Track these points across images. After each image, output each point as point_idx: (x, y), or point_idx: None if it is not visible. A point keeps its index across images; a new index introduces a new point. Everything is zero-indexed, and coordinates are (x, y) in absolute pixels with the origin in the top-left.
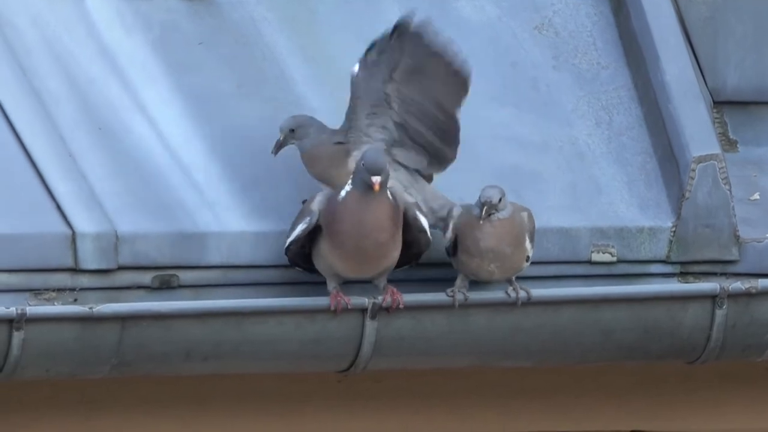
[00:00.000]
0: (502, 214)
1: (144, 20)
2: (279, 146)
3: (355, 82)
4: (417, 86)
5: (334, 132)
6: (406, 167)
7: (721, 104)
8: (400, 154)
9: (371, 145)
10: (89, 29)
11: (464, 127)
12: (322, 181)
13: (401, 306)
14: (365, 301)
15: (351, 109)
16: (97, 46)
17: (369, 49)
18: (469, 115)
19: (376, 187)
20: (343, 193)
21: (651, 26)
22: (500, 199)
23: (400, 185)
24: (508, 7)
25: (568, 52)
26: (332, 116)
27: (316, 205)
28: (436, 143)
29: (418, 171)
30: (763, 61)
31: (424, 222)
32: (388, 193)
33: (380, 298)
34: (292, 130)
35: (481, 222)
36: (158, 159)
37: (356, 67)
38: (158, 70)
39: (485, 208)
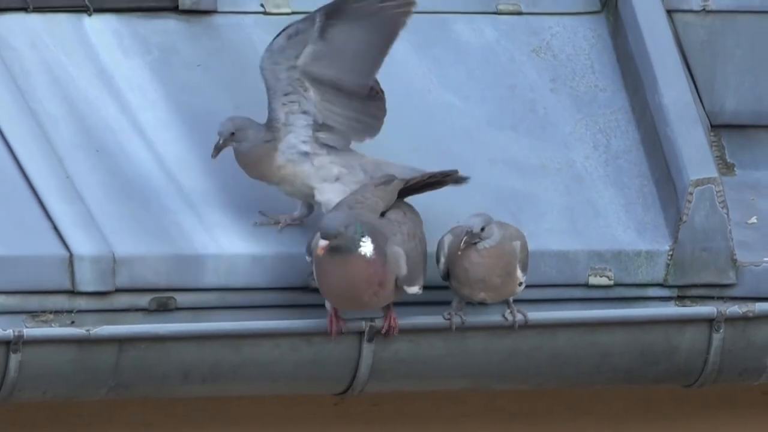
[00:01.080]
0: (487, 243)
1: (142, 42)
2: (219, 149)
3: (265, 73)
4: (331, 59)
5: (263, 130)
6: (335, 148)
7: (719, 127)
8: (326, 137)
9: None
10: (88, 51)
11: (462, 150)
12: (261, 180)
13: (395, 333)
14: (362, 324)
15: (269, 103)
16: (95, 68)
17: (276, 37)
18: (466, 137)
19: (318, 251)
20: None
21: (649, 49)
22: (483, 228)
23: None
24: (506, 30)
25: (566, 74)
26: None
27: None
28: (362, 112)
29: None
30: (761, 85)
31: (413, 290)
32: (367, 252)
33: (378, 321)
34: (233, 134)
35: (459, 252)
36: (156, 181)
37: (263, 58)
38: (156, 93)
39: (465, 237)
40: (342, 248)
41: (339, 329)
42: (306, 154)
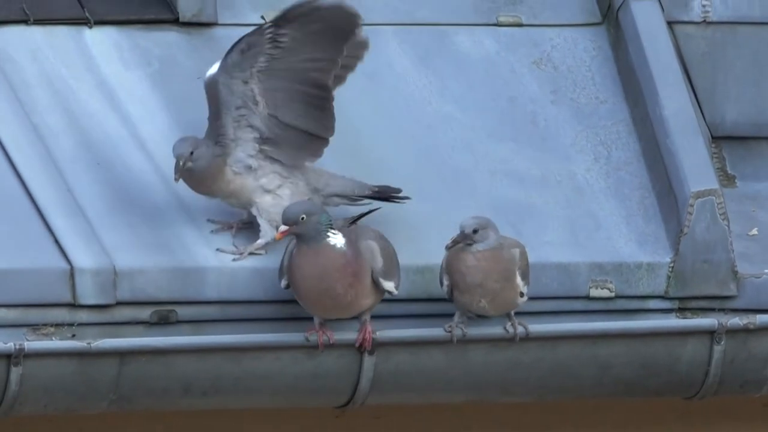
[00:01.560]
0: (481, 246)
1: (143, 55)
2: (181, 171)
3: (215, 87)
4: (283, 73)
5: (211, 146)
6: (280, 161)
7: (720, 139)
8: (272, 150)
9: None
10: (88, 64)
11: (462, 161)
12: (209, 196)
13: (368, 347)
14: (351, 336)
15: (214, 116)
16: (96, 80)
17: (229, 52)
18: (467, 149)
19: (277, 236)
20: (291, 247)
21: (650, 61)
22: (475, 230)
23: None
24: (507, 42)
25: (567, 86)
26: (330, 148)
27: (286, 258)
28: (311, 124)
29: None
30: (762, 96)
31: (389, 286)
32: (336, 243)
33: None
34: (191, 153)
35: (447, 251)
36: (157, 194)
37: (215, 72)
38: (157, 105)
39: (455, 237)
40: (305, 237)
41: (325, 340)
42: (250, 167)
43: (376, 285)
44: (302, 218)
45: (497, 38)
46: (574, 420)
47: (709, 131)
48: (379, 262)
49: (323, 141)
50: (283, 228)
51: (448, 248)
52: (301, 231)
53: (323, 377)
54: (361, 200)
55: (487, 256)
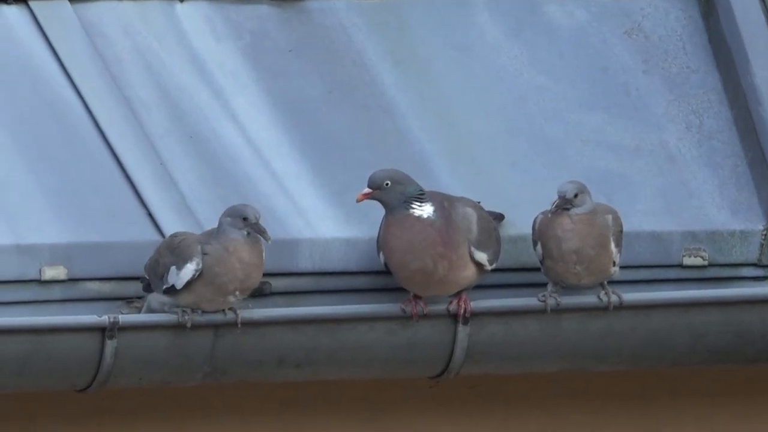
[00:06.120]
0: (580, 210)
1: (234, 28)
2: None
3: None
4: None
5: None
6: None
7: None
8: None
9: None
10: (180, 38)
11: (554, 132)
12: None
13: (468, 315)
14: (444, 307)
15: None
16: (187, 54)
17: None
18: (559, 120)
19: (358, 197)
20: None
21: (740, 29)
22: (576, 195)
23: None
24: (598, 12)
25: (658, 56)
26: (422, 120)
27: (382, 230)
28: None
29: None
30: None
31: (482, 257)
32: (423, 213)
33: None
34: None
35: (550, 215)
36: (249, 166)
37: None
38: (248, 78)
39: (557, 201)
40: (387, 204)
41: (419, 311)
42: None
43: (473, 257)
44: (386, 184)
45: (588, 9)
46: (668, 388)
47: None
48: (474, 232)
49: None
50: (366, 190)
51: (551, 214)
52: (384, 198)
53: (417, 348)
54: None
55: (583, 220)
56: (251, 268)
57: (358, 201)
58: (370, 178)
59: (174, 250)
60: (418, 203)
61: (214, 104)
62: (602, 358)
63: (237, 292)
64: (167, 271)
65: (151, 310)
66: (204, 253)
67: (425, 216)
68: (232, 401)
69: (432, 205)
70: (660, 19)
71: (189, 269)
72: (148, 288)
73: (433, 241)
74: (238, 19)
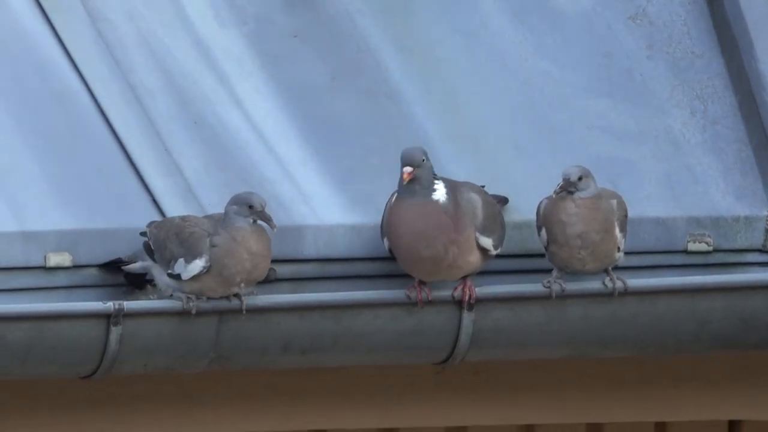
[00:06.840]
0: (584, 194)
1: (238, 13)
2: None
3: None
4: None
5: None
6: None
7: None
8: None
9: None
10: (184, 23)
11: (559, 117)
12: None
13: (472, 301)
14: (450, 293)
15: None
16: (192, 40)
17: None
18: (564, 105)
19: (405, 177)
20: (390, 203)
21: (745, 14)
22: (580, 178)
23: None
24: None
25: (663, 41)
26: (427, 106)
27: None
28: None
29: None
30: None
31: (486, 242)
32: (439, 196)
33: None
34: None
35: (554, 196)
36: (254, 152)
37: None
38: (253, 64)
39: (560, 184)
40: (422, 182)
41: (423, 297)
42: None
43: (478, 243)
44: (423, 160)
45: None
46: (673, 375)
47: None
48: (479, 217)
49: None
50: (409, 169)
51: (555, 195)
52: (422, 174)
53: (422, 334)
54: None
55: (588, 204)
56: (259, 259)
57: (405, 181)
58: (408, 156)
59: (183, 242)
60: (437, 183)
61: (219, 90)
62: (607, 344)
63: (242, 284)
64: (174, 259)
65: (152, 279)
66: (213, 245)
67: (442, 201)
68: (237, 387)
69: (445, 186)
70: (664, 4)
71: (197, 265)
72: (149, 249)
73: (447, 228)
74: (243, 5)
